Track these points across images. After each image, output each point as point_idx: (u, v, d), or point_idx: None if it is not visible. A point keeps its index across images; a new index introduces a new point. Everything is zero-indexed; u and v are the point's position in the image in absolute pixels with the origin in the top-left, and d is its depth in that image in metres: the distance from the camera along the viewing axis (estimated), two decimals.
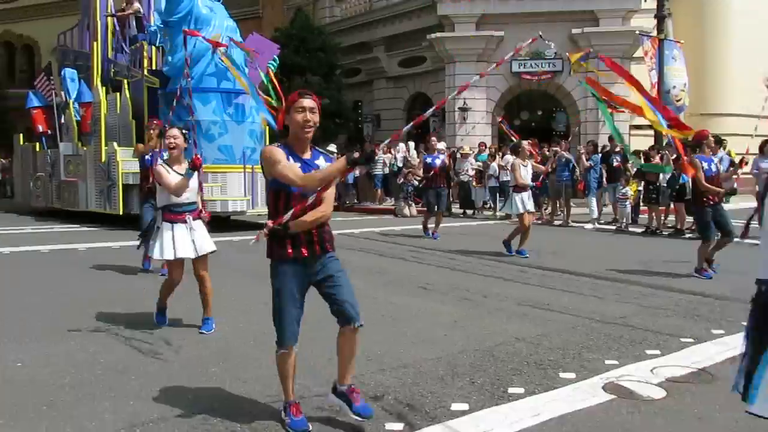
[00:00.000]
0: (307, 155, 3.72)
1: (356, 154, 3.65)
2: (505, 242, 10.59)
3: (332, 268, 3.72)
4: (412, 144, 21.53)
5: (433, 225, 12.97)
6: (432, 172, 13.03)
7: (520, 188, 10.64)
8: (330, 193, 3.72)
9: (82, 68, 17.53)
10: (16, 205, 20.04)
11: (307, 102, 3.65)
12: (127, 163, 14.11)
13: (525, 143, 11.28)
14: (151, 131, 8.91)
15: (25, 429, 3.70)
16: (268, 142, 16.15)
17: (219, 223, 13.63)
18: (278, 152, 3.60)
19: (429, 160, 13.31)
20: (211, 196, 13.47)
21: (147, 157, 8.80)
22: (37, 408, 4.00)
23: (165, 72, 14.90)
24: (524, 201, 10.58)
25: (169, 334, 5.70)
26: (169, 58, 14.82)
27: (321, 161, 3.73)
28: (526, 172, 10.70)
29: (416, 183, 17.91)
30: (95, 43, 16.73)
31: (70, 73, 16.97)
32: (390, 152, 21.31)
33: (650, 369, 4.81)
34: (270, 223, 3.58)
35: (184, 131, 5.88)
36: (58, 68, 19.43)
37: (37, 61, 37.80)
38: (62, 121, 17.24)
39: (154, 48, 16.94)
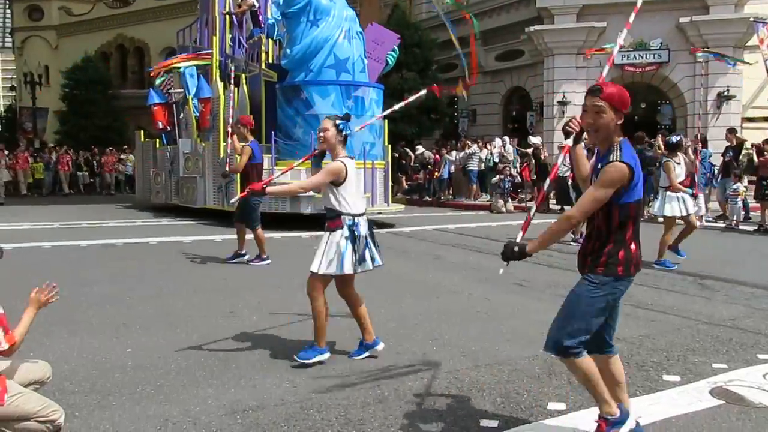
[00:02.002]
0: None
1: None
2: (672, 248, 9.32)
3: None
4: (507, 139, 21.24)
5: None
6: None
7: (674, 189, 9.28)
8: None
9: (201, 64, 17.42)
10: (137, 200, 20.64)
11: None
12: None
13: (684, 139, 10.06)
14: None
15: (134, 411, 3.91)
16: (386, 139, 16.09)
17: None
18: None
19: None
20: None
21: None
22: (146, 391, 4.22)
23: (283, 65, 14.60)
24: (681, 203, 9.24)
25: (267, 322, 5.87)
26: (288, 51, 14.49)
27: None
28: (680, 171, 9.55)
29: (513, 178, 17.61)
30: (214, 38, 16.54)
31: (189, 69, 16.93)
32: (486, 147, 21.12)
33: (763, 374, 4.56)
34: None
35: (338, 121, 4.87)
36: None
37: (147, 62, 39.82)
38: (181, 117, 17.33)
39: (271, 41, 16.87)
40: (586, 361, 3.29)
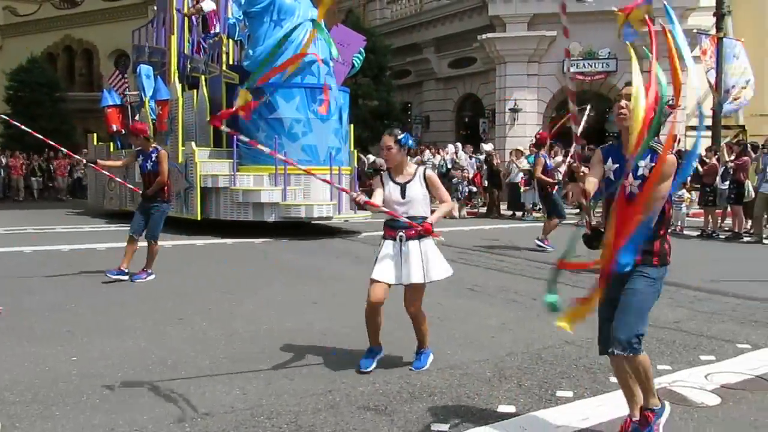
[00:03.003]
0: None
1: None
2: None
3: None
4: (459, 145, 21.44)
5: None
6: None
7: None
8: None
9: (157, 65, 16.83)
10: (89, 206, 19.86)
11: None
12: (206, 164, 13.54)
13: None
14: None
15: (78, 421, 3.81)
16: (353, 142, 15.59)
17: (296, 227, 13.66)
18: None
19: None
20: (294, 201, 12.96)
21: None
22: (91, 400, 4.12)
23: (245, 67, 13.88)
24: None
25: (217, 329, 5.80)
26: (250, 52, 13.93)
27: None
28: None
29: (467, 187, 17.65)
30: (172, 38, 15.89)
31: (145, 69, 16.14)
32: (439, 153, 21.28)
33: (704, 375, 4.69)
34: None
35: (399, 137, 4.66)
36: (132, 65, 18.87)
37: (96, 65, 38.91)
38: (137, 119, 16.35)
39: (231, 42, 16.20)
40: (645, 355, 3.47)
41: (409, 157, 4.91)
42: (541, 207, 18.55)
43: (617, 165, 3.48)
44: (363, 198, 4.58)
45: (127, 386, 4.37)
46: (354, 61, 15.29)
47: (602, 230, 3.53)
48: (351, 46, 15.27)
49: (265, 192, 12.89)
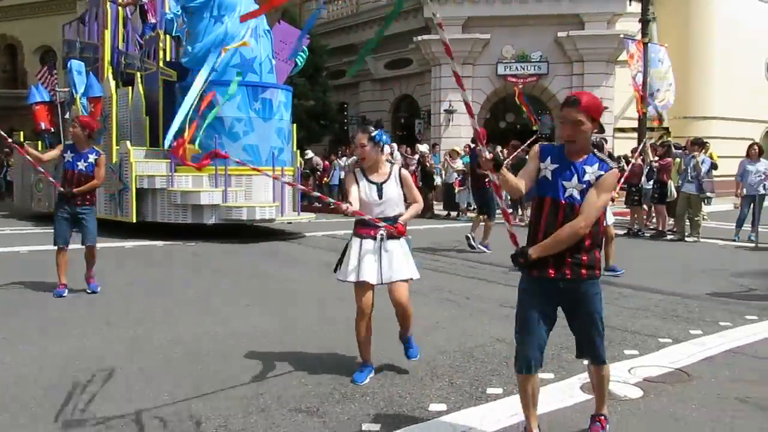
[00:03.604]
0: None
1: None
2: None
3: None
4: (395, 146, 21.53)
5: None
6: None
7: None
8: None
9: (90, 61, 16.13)
10: (15, 208, 18.75)
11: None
12: (142, 164, 12.90)
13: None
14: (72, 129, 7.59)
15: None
16: (295, 142, 15.18)
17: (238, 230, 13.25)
18: None
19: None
20: (235, 203, 12.56)
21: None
22: (12, 409, 3.97)
23: (184, 63, 13.52)
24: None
25: (147, 332, 5.67)
26: (189, 48, 13.46)
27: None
28: None
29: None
30: (105, 32, 15.20)
31: (76, 65, 15.26)
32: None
33: (628, 369, 4.85)
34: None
35: (373, 133, 4.65)
36: (62, 61, 17.96)
37: (20, 61, 37.48)
38: (67, 117, 15.43)
39: (169, 38, 15.49)
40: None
41: (345, 158, 4.94)
42: (475, 207, 18.85)
43: (557, 165, 3.40)
44: (352, 209, 4.45)
45: (52, 394, 4.22)
46: (297, 60, 15.05)
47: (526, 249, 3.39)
48: (293, 44, 15.01)
49: (205, 193, 12.47)
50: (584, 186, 3.33)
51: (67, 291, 7.35)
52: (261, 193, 13.19)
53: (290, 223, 14.32)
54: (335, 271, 4.75)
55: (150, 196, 12.96)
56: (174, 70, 13.91)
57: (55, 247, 7.49)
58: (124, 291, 7.64)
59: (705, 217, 15.33)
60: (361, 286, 4.59)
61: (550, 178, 3.40)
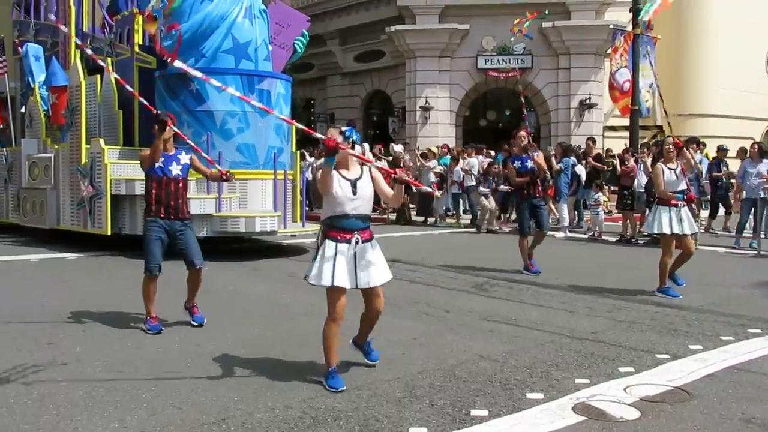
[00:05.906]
0: None
1: None
2: (671, 277, 8.56)
3: None
4: (367, 146, 21.54)
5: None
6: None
7: (664, 201, 8.38)
8: None
9: (46, 44, 14.99)
10: None
11: None
12: (117, 166, 11.71)
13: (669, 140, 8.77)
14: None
15: None
16: (295, 141, 14.25)
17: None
18: None
19: (518, 163, 10.22)
20: (230, 212, 11.63)
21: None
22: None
23: (165, 47, 12.11)
24: (673, 219, 8.27)
25: (92, 354, 5.58)
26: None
27: None
28: (673, 178, 8.40)
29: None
30: (71, 11, 13.66)
31: (33, 49, 14.29)
32: None
33: (623, 388, 4.88)
34: None
35: (344, 129, 4.92)
36: (13, 45, 16.75)
37: None
38: (23, 110, 14.69)
39: (142, 18, 13.69)
40: None
41: (313, 158, 5.05)
42: (453, 212, 18.93)
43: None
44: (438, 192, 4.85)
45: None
46: (296, 46, 14.19)
47: None
48: (292, 28, 14.22)
49: (195, 201, 10.87)
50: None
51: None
52: (258, 200, 12.19)
53: (294, 236, 13.55)
54: (306, 277, 4.91)
55: (127, 204, 11.77)
56: (153, 56, 12.83)
57: (145, 274, 6.59)
58: (71, 306, 7.50)
59: (703, 222, 15.52)
60: (336, 291, 4.81)
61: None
